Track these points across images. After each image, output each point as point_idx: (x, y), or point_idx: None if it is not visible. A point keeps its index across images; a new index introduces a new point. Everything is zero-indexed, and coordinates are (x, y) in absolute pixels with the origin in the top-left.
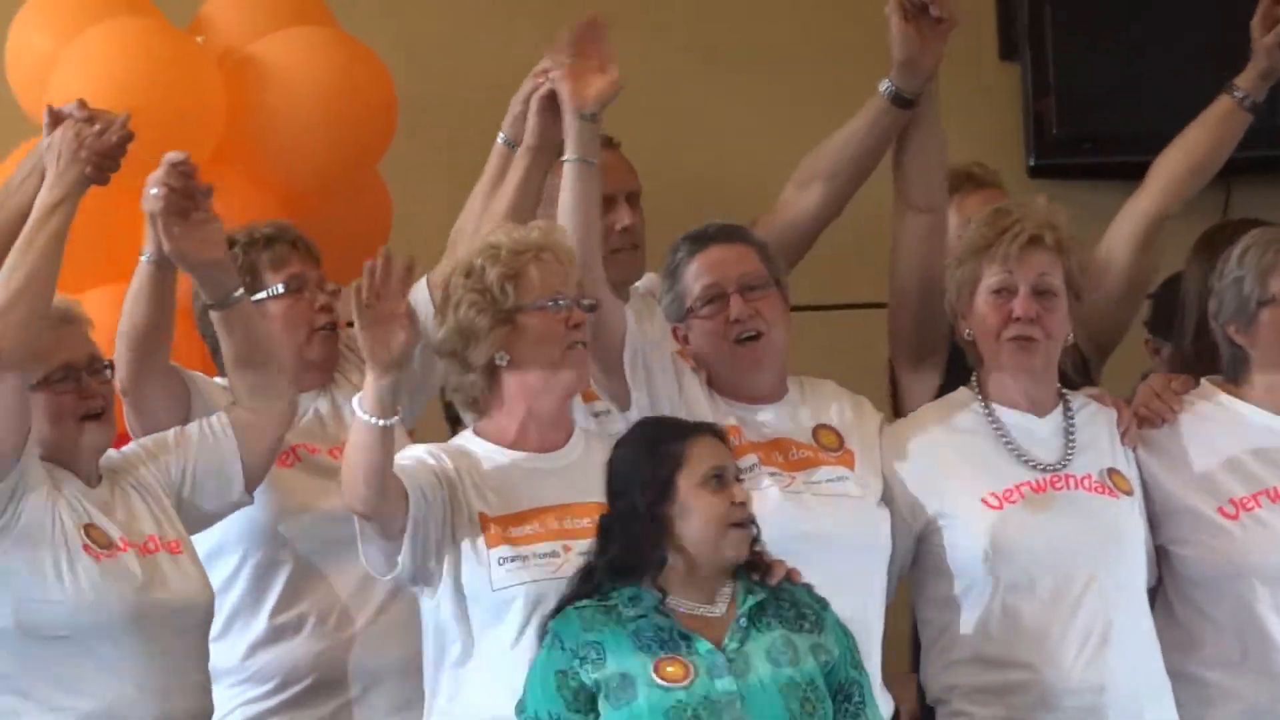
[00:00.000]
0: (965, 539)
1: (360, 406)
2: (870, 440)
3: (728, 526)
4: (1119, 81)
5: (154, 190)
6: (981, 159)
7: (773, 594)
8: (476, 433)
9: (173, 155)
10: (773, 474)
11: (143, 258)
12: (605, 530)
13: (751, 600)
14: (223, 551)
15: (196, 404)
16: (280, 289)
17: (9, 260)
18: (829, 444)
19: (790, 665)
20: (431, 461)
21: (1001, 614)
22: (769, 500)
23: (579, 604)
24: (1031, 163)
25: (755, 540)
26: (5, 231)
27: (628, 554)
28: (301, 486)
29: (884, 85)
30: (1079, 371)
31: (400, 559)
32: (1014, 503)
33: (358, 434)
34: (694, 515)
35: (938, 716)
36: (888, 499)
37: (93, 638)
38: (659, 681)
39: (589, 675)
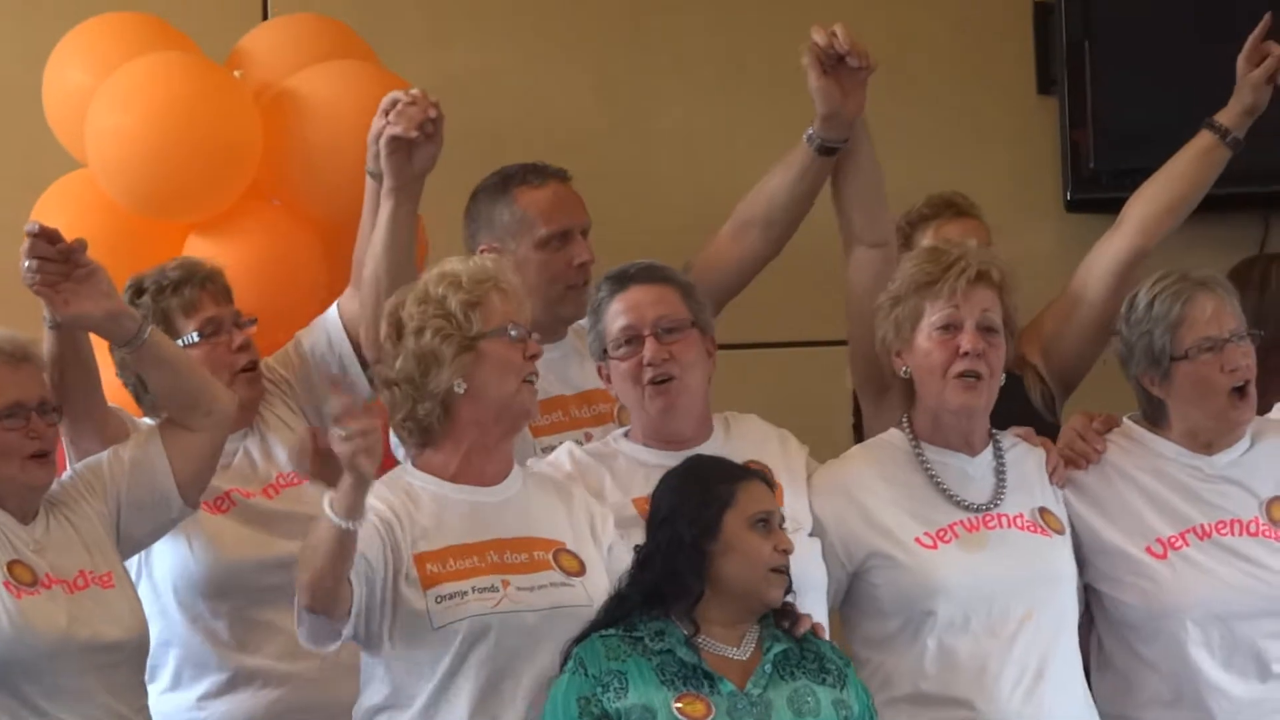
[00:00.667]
0: (901, 578)
1: (331, 508)
2: (797, 473)
3: (770, 570)
4: (1156, 116)
5: (27, 264)
6: (1018, 192)
7: (797, 644)
8: (417, 465)
9: (30, 227)
10: None
11: (45, 324)
12: (644, 560)
13: (777, 647)
14: (164, 605)
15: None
16: (195, 337)
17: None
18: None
19: (811, 715)
20: (373, 516)
21: (938, 651)
22: None
23: (604, 632)
24: (1068, 196)
25: (788, 589)
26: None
27: (666, 583)
28: (236, 535)
29: (808, 135)
30: (1048, 408)
31: (344, 633)
32: (948, 542)
33: (324, 536)
34: (738, 554)
35: None
36: (819, 535)
37: (14, 675)
38: (679, 717)
39: (611, 703)
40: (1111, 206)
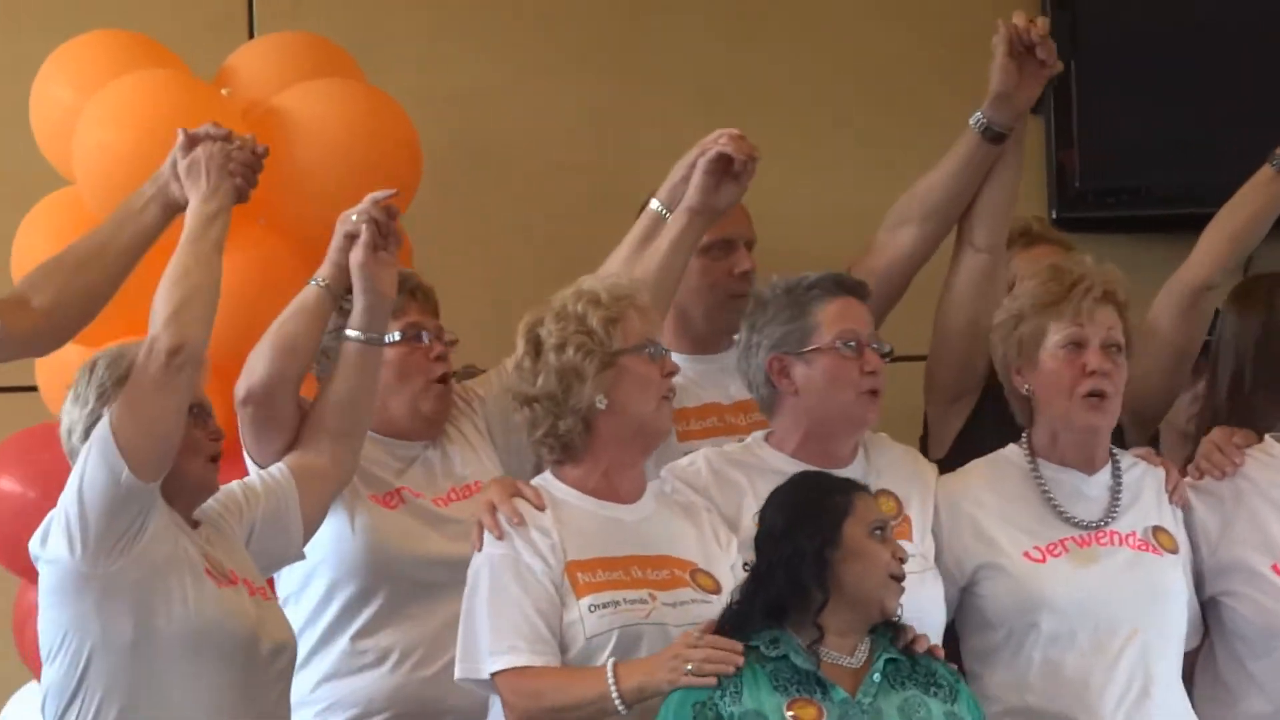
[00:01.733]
0: (1007, 591)
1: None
2: (929, 497)
3: (889, 576)
4: (1142, 135)
5: (355, 217)
6: None
7: (909, 657)
8: (557, 476)
9: (379, 194)
10: None
11: (313, 282)
12: (763, 574)
13: (887, 656)
14: (310, 584)
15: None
16: (397, 336)
17: (172, 272)
18: (889, 511)
19: None
20: (531, 557)
21: (1043, 665)
22: None
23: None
24: (1054, 215)
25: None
26: (126, 253)
27: (789, 594)
28: (403, 528)
29: (975, 118)
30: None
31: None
32: (1057, 556)
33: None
34: (860, 561)
35: None
36: (937, 550)
37: (207, 660)
38: None
39: (726, 709)
40: (1097, 225)
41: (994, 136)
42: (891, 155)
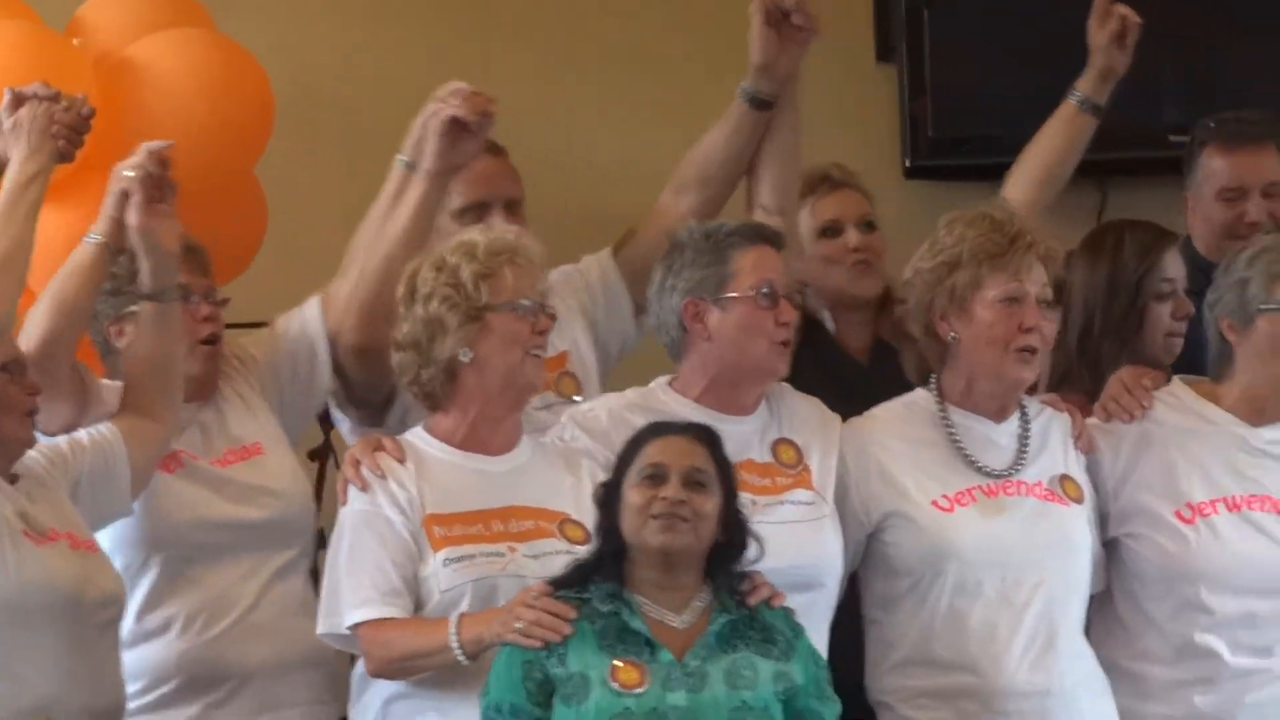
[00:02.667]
0: (915, 539)
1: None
2: (832, 444)
3: (649, 518)
4: (994, 84)
5: (129, 171)
6: (858, 160)
7: (748, 614)
8: (427, 429)
9: (155, 144)
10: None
11: (89, 239)
12: (598, 529)
13: (724, 618)
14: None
15: (93, 399)
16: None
17: None
18: (787, 460)
19: (747, 689)
20: (390, 510)
21: (948, 614)
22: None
23: (556, 594)
24: (907, 164)
25: (738, 549)
26: None
27: (598, 550)
28: (182, 492)
29: (741, 87)
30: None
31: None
32: (965, 505)
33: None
34: (625, 509)
35: None
36: (839, 495)
37: (32, 620)
38: (613, 685)
39: (552, 669)
40: (950, 174)
41: (760, 104)
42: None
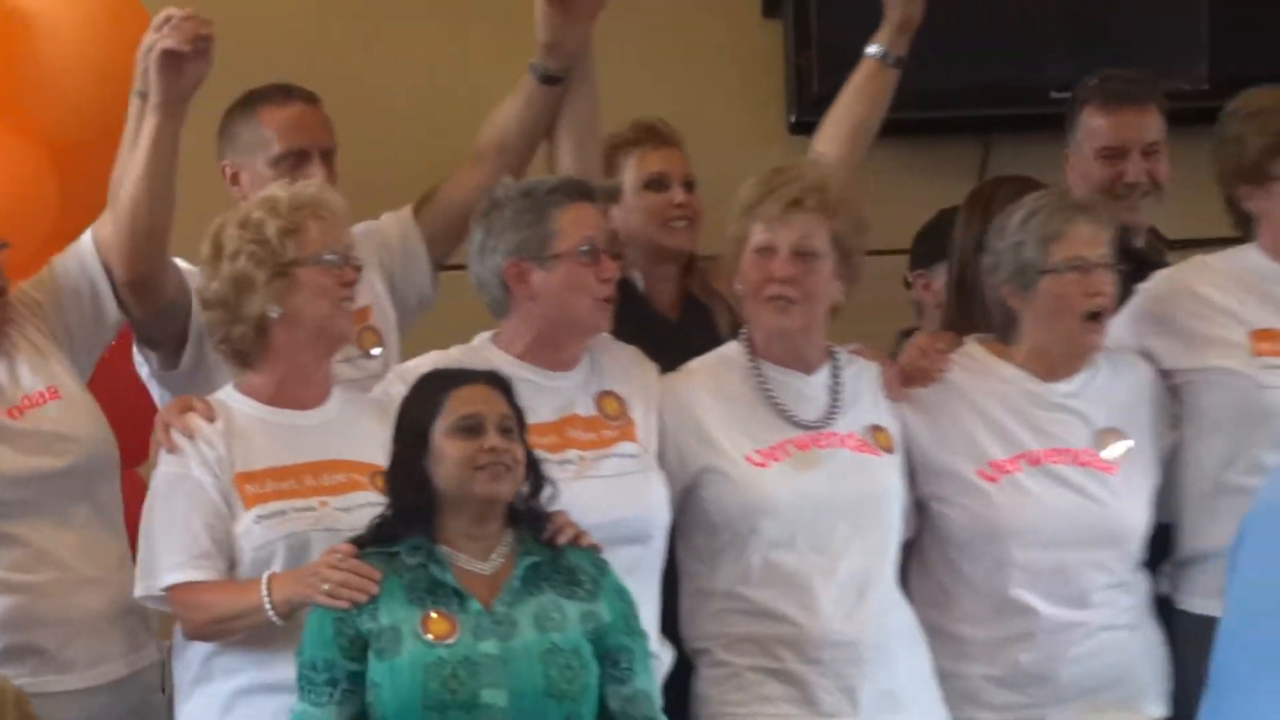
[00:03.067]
0: (730, 494)
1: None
2: (653, 396)
3: (474, 469)
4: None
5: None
6: (744, 115)
7: (552, 556)
8: (237, 388)
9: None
10: (562, 462)
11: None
12: (388, 482)
13: (528, 562)
14: None
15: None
16: None
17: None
18: (611, 412)
19: (556, 631)
20: (200, 471)
21: (764, 567)
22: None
23: (364, 552)
24: (792, 119)
25: (538, 493)
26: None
27: (402, 504)
28: None
29: (531, 64)
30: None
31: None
32: (778, 460)
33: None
34: (442, 463)
35: (699, 667)
36: (661, 449)
37: None
38: (424, 636)
39: (364, 625)
40: None
41: (550, 80)
42: (623, 61)
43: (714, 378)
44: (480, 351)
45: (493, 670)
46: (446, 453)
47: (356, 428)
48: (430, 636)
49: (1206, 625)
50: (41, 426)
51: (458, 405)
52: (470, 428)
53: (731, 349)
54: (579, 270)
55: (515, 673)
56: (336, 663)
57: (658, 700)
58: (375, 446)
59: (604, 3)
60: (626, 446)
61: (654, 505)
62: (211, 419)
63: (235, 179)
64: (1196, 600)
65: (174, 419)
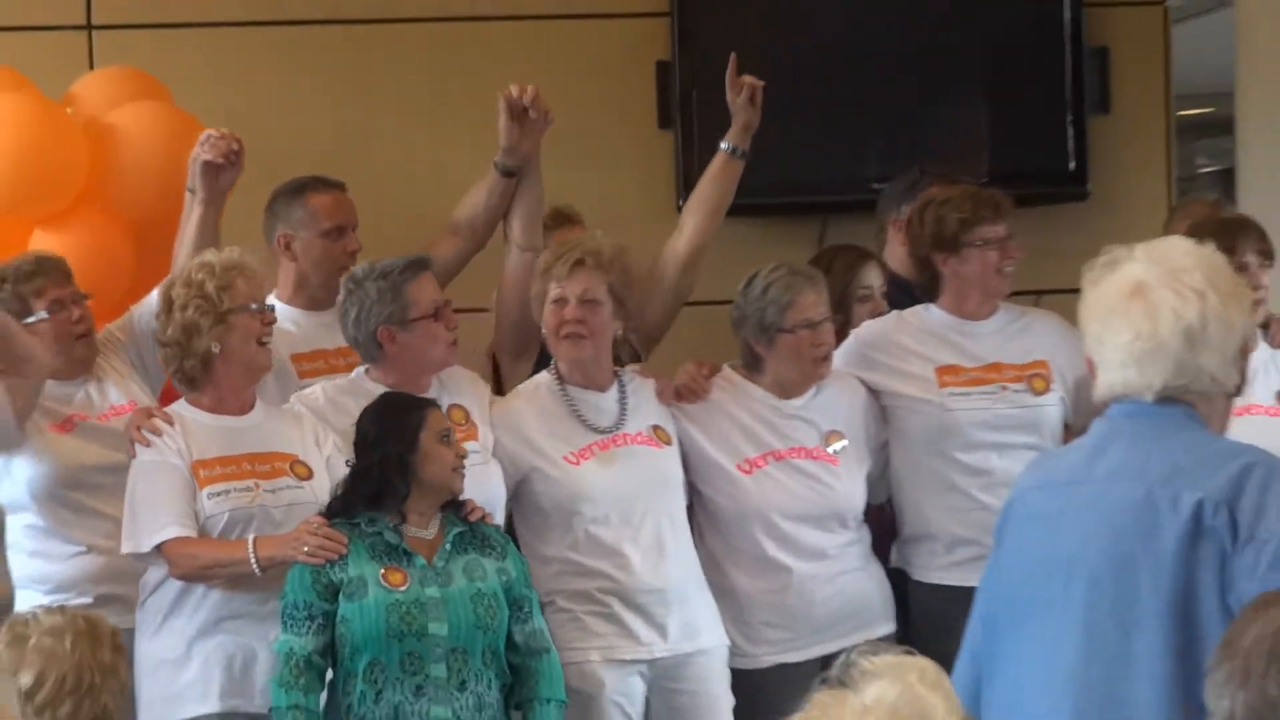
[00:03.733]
0: (554, 489)
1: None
2: (486, 410)
3: (455, 470)
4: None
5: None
6: (643, 203)
7: (470, 528)
8: (186, 402)
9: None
10: None
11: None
12: (360, 473)
13: (455, 530)
14: (19, 509)
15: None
16: (45, 314)
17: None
18: (459, 419)
19: (481, 580)
20: (173, 457)
21: (586, 538)
22: None
23: (334, 522)
24: (680, 205)
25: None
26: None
27: (382, 486)
28: (77, 446)
29: (495, 161)
30: (634, 359)
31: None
32: (588, 458)
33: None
34: (432, 461)
35: (546, 613)
36: (496, 453)
37: None
38: (384, 584)
39: (336, 575)
40: None
41: (509, 173)
42: (554, 157)
43: (532, 399)
44: (359, 383)
45: (436, 609)
46: (437, 455)
47: (276, 429)
48: (388, 585)
49: (931, 590)
50: (121, 428)
51: (435, 422)
52: (447, 435)
53: (543, 377)
54: (432, 326)
55: (453, 610)
56: (314, 603)
57: (548, 636)
58: (292, 442)
59: (551, 120)
60: (473, 445)
61: (494, 492)
62: (171, 423)
63: (288, 246)
64: (918, 570)
65: (143, 422)
